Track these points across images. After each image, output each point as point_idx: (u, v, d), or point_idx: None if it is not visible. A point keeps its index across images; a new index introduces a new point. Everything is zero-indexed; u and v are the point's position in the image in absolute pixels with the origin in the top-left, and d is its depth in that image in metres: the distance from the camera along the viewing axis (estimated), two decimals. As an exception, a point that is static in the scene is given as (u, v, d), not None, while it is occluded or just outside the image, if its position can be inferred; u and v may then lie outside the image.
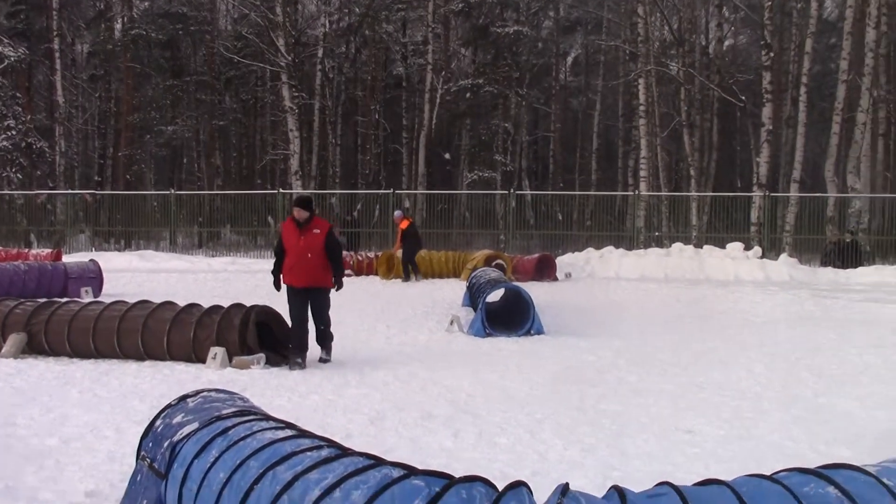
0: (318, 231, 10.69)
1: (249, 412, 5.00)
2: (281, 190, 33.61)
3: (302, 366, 10.57)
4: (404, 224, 24.09)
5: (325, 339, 11.09)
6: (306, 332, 10.83)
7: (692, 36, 40.81)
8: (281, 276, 10.92)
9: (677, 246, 27.47)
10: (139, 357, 11.03)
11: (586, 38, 51.34)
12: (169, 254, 30.72)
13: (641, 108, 35.24)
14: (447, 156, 42.92)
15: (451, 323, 14.07)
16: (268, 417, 4.93)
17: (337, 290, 11.03)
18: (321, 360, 10.98)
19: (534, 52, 48.26)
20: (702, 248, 27.28)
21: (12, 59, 38.80)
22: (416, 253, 24.17)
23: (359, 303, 17.82)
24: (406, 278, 23.63)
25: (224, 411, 4.99)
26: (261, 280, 23.09)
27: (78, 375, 10.12)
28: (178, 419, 5.08)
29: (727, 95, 37.10)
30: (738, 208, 31.64)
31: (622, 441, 7.32)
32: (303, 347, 10.76)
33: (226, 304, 11.47)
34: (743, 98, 37.18)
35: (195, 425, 4.85)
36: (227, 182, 45.57)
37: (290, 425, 4.71)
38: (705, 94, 39.89)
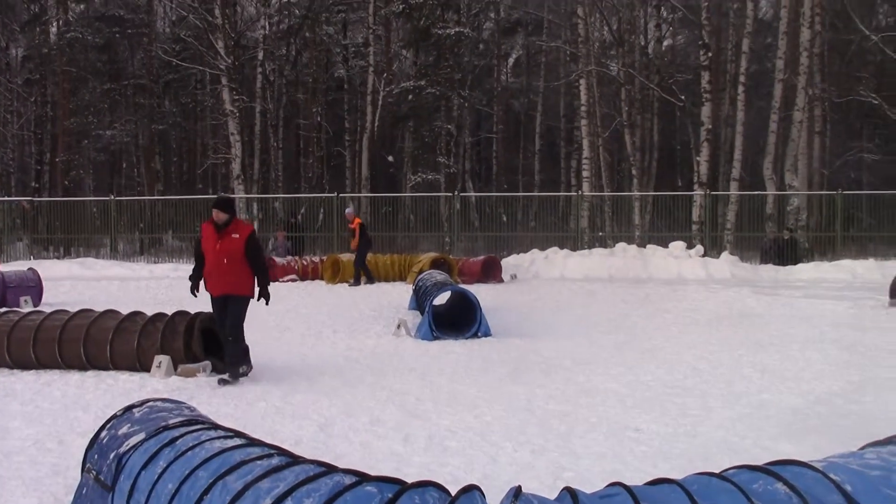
0: (238, 235, 9.94)
1: (197, 421, 4.95)
2: (222, 194, 33.28)
3: (245, 373, 10.23)
4: (357, 221, 23.90)
5: (232, 355, 10.10)
6: None
7: (632, 36, 41.19)
8: (202, 281, 10.31)
9: (621, 245, 27.72)
10: (82, 367, 10.87)
11: (527, 39, 51.60)
12: (110, 261, 30.31)
13: (583, 108, 35.47)
14: (390, 158, 42.81)
15: (399, 327, 14.06)
16: (216, 426, 4.88)
17: (265, 303, 10.25)
18: (221, 382, 9.96)
19: (475, 53, 48.42)
20: (645, 247, 27.56)
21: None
22: (367, 254, 24.00)
23: (305, 308, 17.71)
24: (356, 282, 23.40)
25: (171, 421, 4.93)
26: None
27: (19, 387, 9.96)
28: (123, 430, 5.01)
29: (667, 95, 37.51)
30: (679, 207, 32.02)
31: (572, 441, 7.37)
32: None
33: (169, 311, 11.34)
34: (682, 97, 37.62)
35: (142, 436, 4.79)
36: (167, 187, 45.11)
37: (238, 434, 4.66)
38: (645, 93, 40.31)
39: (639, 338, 13.54)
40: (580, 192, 33.57)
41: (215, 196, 34.06)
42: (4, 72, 44.87)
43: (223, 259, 9.93)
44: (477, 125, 51.80)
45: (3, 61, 45.03)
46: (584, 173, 35.00)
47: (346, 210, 25.58)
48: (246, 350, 10.31)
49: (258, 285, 10.13)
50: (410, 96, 40.86)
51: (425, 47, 43.20)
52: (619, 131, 38.86)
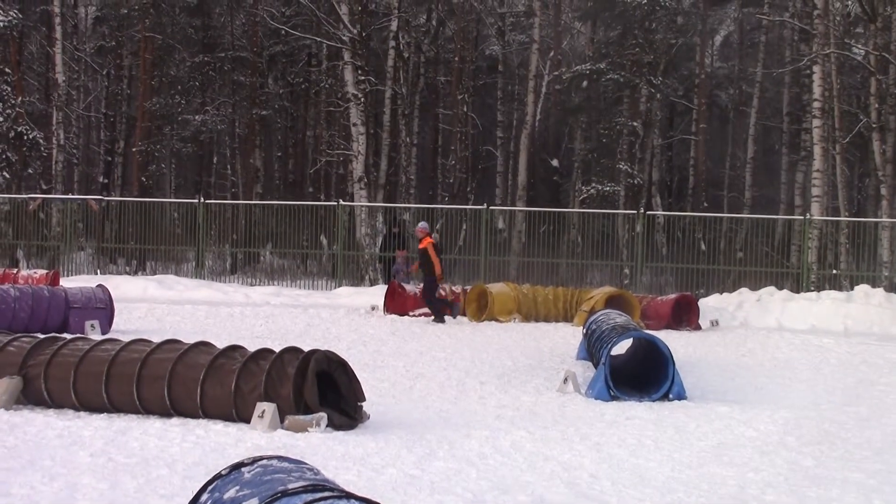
0: None
1: (325, 488, 5.04)
2: (341, 202, 33.75)
3: None
4: (428, 241, 24.14)
5: None
6: None
7: (887, 8, 40.27)
8: None
9: (862, 289, 27.11)
10: (164, 412, 11.21)
11: (741, 11, 50.97)
12: (195, 280, 31.11)
13: (816, 104, 34.82)
14: (555, 163, 42.92)
15: (565, 381, 14.07)
16: (349, 496, 4.96)
17: None
18: None
19: (672, 28, 47.98)
20: (896, 292, 26.95)
21: (1, 24, 38.92)
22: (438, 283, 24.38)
23: (443, 350, 17.86)
24: (438, 318, 23.66)
25: (291, 485, 5.04)
26: (313, 317, 23.44)
27: (87, 434, 10.33)
28: (230, 493, 5.17)
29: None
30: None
31: (799, 545, 7.29)
32: None
33: (271, 346, 11.59)
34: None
35: (254, 502, 4.92)
36: (269, 189, 45.93)
37: (378, 506, 4.73)
38: (903, 86, 39.30)
39: (888, 413, 13.24)
40: (808, 216, 32.95)
41: (329, 203, 34.57)
42: (71, 36, 45.75)
43: None
44: (670, 123, 51.42)
45: (70, 23, 46.04)
46: (815, 191, 34.33)
47: (419, 225, 25.65)
48: None
49: None
50: (585, 83, 40.85)
51: (606, 19, 43.16)
52: (865, 136, 37.98)
